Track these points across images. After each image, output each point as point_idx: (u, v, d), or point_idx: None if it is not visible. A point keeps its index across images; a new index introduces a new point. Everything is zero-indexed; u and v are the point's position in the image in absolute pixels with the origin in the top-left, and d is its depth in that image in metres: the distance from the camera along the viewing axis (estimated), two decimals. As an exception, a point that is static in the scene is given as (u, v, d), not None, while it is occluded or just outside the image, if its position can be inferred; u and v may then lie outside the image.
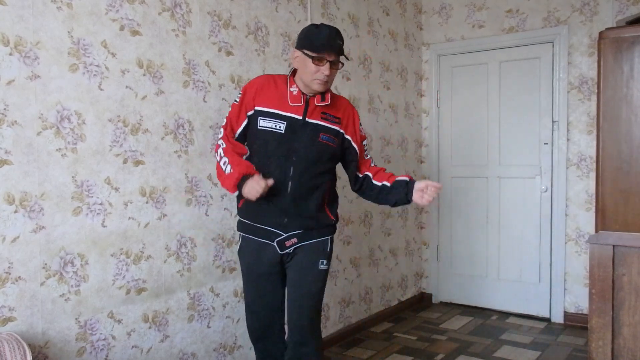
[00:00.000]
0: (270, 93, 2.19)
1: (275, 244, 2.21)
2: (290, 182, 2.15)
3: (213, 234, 2.76)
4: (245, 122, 2.21)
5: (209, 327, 2.74)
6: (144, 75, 2.42)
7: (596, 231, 2.11)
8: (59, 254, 2.11)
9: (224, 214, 2.81)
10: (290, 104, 2.16)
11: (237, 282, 2.89)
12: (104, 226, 2.27)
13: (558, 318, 4.09)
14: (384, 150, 4.16)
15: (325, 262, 2.26)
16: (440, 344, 3.66)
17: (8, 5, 1.95)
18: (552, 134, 4.08)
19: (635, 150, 2.04)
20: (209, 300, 2.75)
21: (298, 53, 2.14)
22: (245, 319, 2.37)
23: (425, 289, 4.75)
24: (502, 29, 4.28)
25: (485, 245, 4.43)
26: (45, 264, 2.07)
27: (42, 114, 2.05)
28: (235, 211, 2.87)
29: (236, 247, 2.88)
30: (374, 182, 2.31)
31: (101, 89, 2.25)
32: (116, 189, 2.31)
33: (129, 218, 2.36)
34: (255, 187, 2.02)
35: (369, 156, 2.39)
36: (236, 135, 2.23)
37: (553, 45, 4.06)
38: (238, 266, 2.89)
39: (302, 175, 2.16)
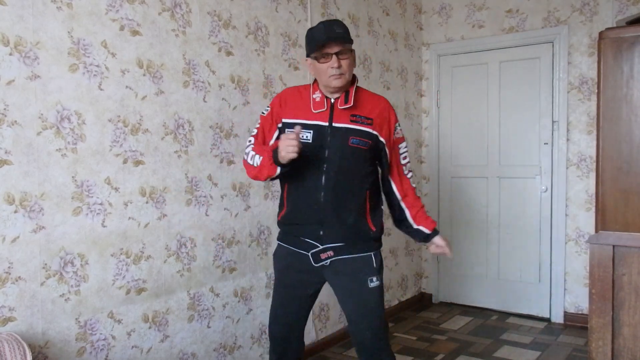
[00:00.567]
0: (295, 103, 2.11)
1: (309, 255, 2.09)
2: (323, 192, 2.04)
3: (213, 234, 2.76)
4: (276, 133, 2.13)
5: (208, 327, 2.74)
6: (144, 75, 2.42)
7: (596, 231, 2.11)
8: (59, 254, 2.11)
9: (224, 214, 2.81)
10: (314, 111, 2.07)
11: (237, 282, 2.89)
12: (104, 226, 2.26)
13: (558, 318, 4.09)
14: (384, 150, 4.16)
15: (375, 279, 2.09)
16: (440, 344, 3.65)
17: (8, 5, 1.95)
18: (552, 134, 4.08)
19: (635, 150, 2.04)
20: (209, 300, 2.75)
21: (309, 61, 2.08)
22: (269, 319, 2.28)
23: (425, 289, 4.75)
24: (502, 29, 4.28)
25: (485, 245, 4.43)
26: (45, 264, 2.07)
27: (42, 114, 2.05)
28: (235, 212, 2.87)
29: (236, 247, 2.89)
30: (409, 218, 2.19)
31: (101, 89, 2.25)
32: (116, 189, 2.31)
33: (129, 218, 2.36)
34: (286, 143, 1.87)
35: (409, 173, 2.21)
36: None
37: (553, 45, 4.06)
38: (238, 266, 2.91)
39: (336, 184, 2.04)
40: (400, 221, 2.23)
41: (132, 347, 2.39)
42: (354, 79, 2.11)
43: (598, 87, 2.11)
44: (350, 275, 2.09)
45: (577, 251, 4.01)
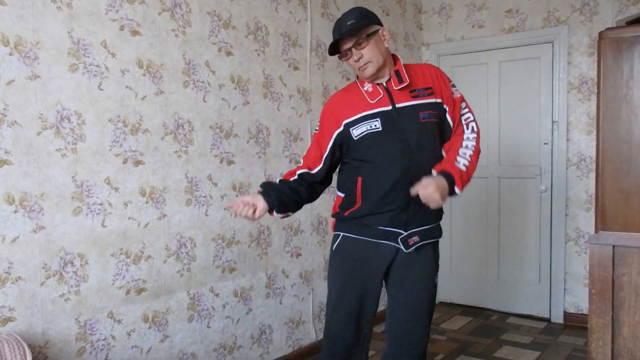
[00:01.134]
0: (347, 102, 2.03)
1: (398, 243, 1.99)
2: (403, 175, 1.94)
3: (213, 234, 2.76)
4: (331, 143, 2.03)
5: (208, 327, 2.74)
6: (144, 75, 2.42)
7: (596, 231, 2.11)
8: (59, 254, 2.11)
9: (223, 214, 2.81)
10: (371, 101, 1.98)
11: (236, 282, 2.89)
12: (104, 226, 2.26)
13: (558, 318, 4.08)
14: (383, 150, 4.15)
15: (437, 276, 2.07)
16: (440, 344, 3.65)
17: (8, 5, 1.95)
18: (552, 134, 4.08)
19: (635, 150, 2.04)
20: (209, 300, 2.75)
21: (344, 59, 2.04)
22: (329, 325, 2.13)
23: (425, 289, 4.75)
24: (502, 29, 4.28)
25: (485, 245, 4.43)
26: (45, 264, 2.07)
27: (42, 114, 2.05)
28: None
29: (236, 247, 2.88)
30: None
31: (101, 89, 2.25)
32: (116, 189, 2.31)
33: (129, 218, 2.36)
34: (239, 211, 1.95)
35: (467, 119, 2.07)
36: (323, 158, 2.06)
37: (553, 45, 4.06)
38: (238, 266, 2.90)
39: (417, 164, 1.94)
40: None
41: (132, 347, 2.39)
42: (395, 57, 2.04)
43: (598, 87, 2.10)
44: (421, 268, 2.04)
45: (577, 251, 4.01)
